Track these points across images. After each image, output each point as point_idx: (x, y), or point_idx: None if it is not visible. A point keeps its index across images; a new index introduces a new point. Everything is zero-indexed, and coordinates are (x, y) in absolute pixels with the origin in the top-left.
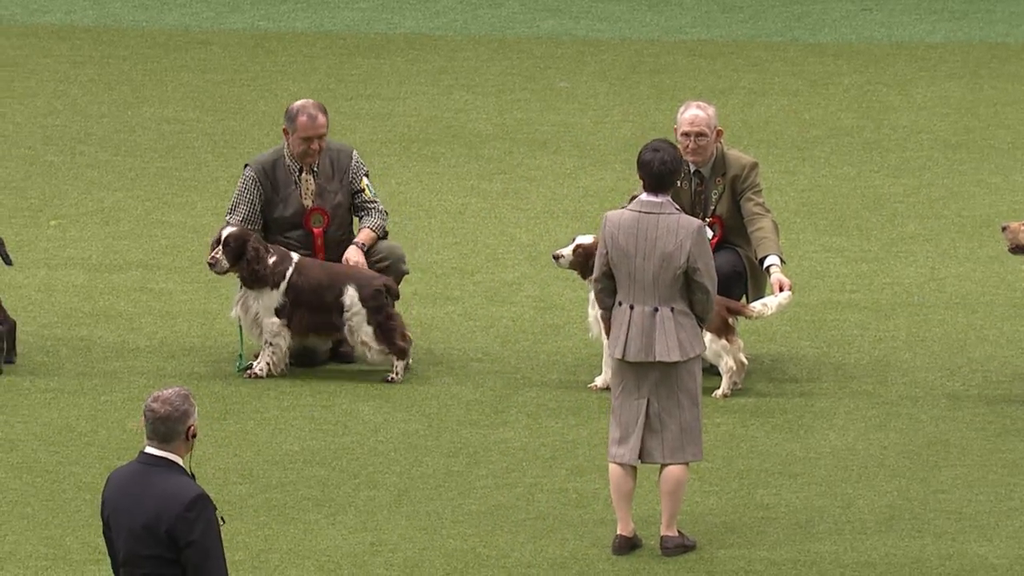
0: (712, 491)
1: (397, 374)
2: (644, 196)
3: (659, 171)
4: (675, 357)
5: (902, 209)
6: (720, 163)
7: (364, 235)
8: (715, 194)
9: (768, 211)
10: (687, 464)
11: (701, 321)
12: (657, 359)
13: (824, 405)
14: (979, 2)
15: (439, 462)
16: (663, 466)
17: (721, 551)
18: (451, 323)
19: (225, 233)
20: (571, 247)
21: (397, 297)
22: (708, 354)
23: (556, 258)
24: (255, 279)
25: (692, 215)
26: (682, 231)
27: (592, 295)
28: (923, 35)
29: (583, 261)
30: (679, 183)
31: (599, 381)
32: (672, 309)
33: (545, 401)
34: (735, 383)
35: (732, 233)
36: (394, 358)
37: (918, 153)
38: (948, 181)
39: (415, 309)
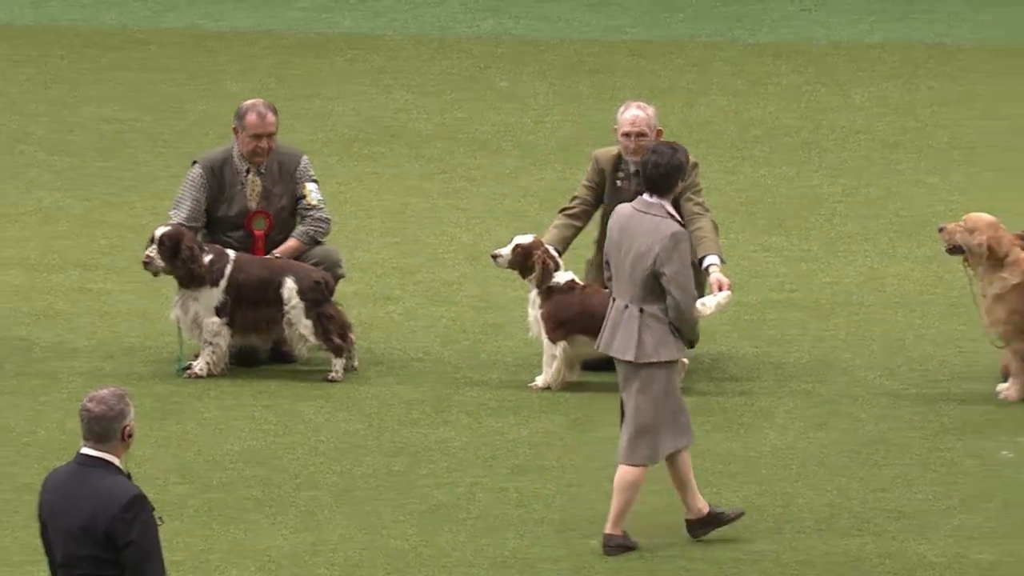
0: (653, 490)
1: (337, 373)
2: (644, 195)
3: (650, 173)
4: (628, 357)
5: (841, 209)
6: None
7: (284, 246)
8: None
9: (708, 210)
10: (642, 466)
11: (677, 330)
12: (612, 354)
13: (764, 404)
14: (918, 3)
15: (380, 462)
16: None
17: (662, 550)
18: (392, 323)
19: (159, 232)
20: (510, 247)
21: (332, 293)
22: None
23: (494, 257)
24: (191, 278)
25: None
26: (657, 234)
27: (532, 295)
28: (862, 35)
29: (522, 260)
30: (617, 182)
31: (539, 381)
32: (642, 310)
33: (486, 400)
34: None
35: None
36: (332, 355)
37: (856, 153)
38: (886, 181)
39: (356, 309)
